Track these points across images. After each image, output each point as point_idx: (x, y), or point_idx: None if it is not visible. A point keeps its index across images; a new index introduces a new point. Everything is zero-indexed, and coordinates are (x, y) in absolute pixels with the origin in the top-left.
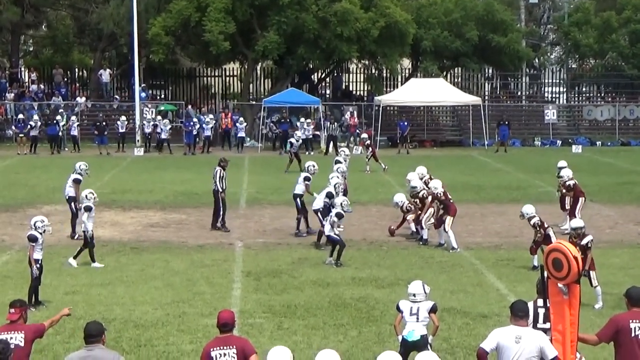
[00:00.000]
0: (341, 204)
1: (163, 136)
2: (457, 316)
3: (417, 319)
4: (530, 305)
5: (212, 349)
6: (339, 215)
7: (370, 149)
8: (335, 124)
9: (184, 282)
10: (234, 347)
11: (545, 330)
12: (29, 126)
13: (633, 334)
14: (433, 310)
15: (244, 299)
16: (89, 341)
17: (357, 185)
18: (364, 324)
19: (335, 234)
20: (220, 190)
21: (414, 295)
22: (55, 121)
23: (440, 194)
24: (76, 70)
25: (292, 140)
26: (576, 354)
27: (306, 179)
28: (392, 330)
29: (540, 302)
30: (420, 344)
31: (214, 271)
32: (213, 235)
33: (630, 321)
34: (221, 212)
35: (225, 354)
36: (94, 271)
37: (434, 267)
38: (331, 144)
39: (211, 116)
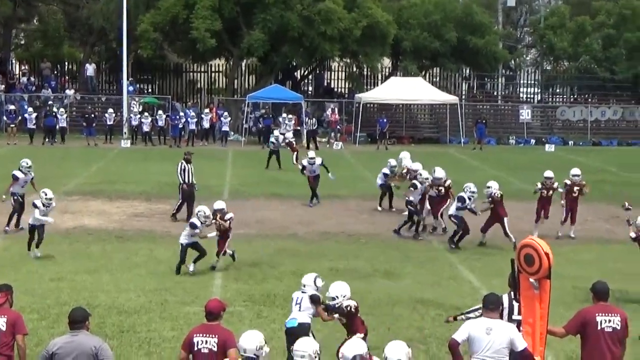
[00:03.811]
0: (197, 213)
1: (145, 129)
2: (431, 307)
3: (300, 308)
4: (506, 297)
5: (195, 335)
6: (192, 225)
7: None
8: (314, 119)
9: (167, 271)
10: (216, 336)
11: (519, 322)
12: (20, 117)
13: (599, 327)
14: (313, 300)
15: (224, 287)
16: (73, 327)
17: (336, 179)
18: None
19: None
20: (181, 182)
21: (304, 286)
22: (53, 113)
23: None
24: (66, 63)
25: (272, 139)
26: (545, 346)
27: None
28: (367, 320)
29: (512, 294)
30: (299, 331)
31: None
32: None
33: (597, 314)
34: (178, 204)
35: (206, 342)
36: (80, 259)
37: (411, 260)
38: (311, 139)
39: (193, 113)
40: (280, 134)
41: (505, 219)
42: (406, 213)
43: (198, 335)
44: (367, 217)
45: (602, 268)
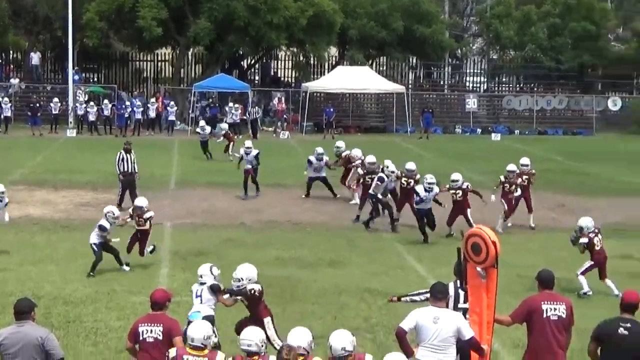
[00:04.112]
0: (106, 214)
1: (91, 118)
2: (378, 297)
3: (201, 301)
4: (451, 285)
5: (140, 324)
6: (101, 228)
7: (227, 139)
8: (257, 108)
9: (113, 260)
10: (161, 325)
11: (465, 310)
12: None
13: (545, 315)
14: (214, 290)
15: (171, 277)
16: (19, 317)
17: (281, 168)
18: (286, 303)
19: None
20: (118, 172)
21: (201, 276)
22: None
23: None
24: (10, 52)
25: (198, 130)
26: (492, 335)
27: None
28: (313, 309)
29: (458, 283)
30: None
31: None
32: None
33: (542, 302)
34: (120, 193)
35: (151, 331)
36: (25, 249)
37: (357, 249)
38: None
39: (139, 103)
40: (226, 122)
41: (469, 210)
42: (355, 202)
43: (143, 324)
44: (312, 206)
45: (547, 256)
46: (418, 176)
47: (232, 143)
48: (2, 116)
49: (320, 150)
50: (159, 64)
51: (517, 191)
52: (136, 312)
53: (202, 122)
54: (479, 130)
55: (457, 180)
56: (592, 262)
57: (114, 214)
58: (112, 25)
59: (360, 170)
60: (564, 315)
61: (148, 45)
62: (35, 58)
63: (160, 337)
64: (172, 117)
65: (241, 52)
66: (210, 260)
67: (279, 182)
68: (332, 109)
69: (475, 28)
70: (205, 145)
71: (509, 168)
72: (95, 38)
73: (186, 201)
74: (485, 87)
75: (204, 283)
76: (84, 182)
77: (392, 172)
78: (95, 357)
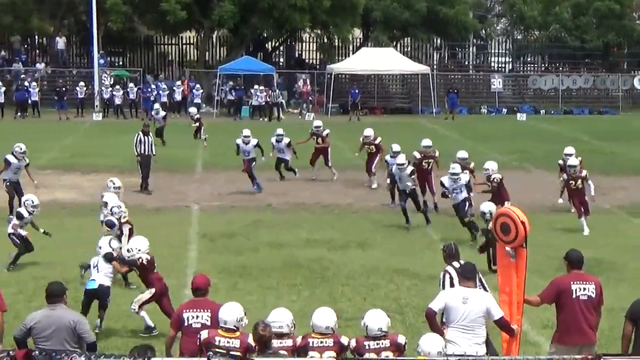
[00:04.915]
0: (24, 202)
1: (117, 102)
2: (406, 277)
3: (98, 270)
4: (450, 269)
5: (184, 311)
6: (19, 215)
7: (199, 123)
8: (277, 91)
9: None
10: (208, 310)
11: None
12: None
13: (574, 295)
14: (107, 258)
15: (199, 260)
16: (51, 301)
17: (306, 150)
18: (317, 284)
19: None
20: (136, 153)
21: (100, 248)
22: (25, 87)
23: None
24: (36, 37)
25: (153, 113)
26: (522, 315)
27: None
28: (343, 291)
29: (455, 264)
30: (99, 292)
31: (170, 233)
32: (169, 199)
33: (572, 283)
34: (141, 176)
35: (198, 317)
36: (54, 233)
37: (384, 231)
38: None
39: (165, 86)
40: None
41: (507, 203)
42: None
43: (188, 310)
44: (341, 188)
45: (575, 237)
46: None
47: (202, 127)
48: (30, 100)
49: (280, 131)
50: (184, 47)
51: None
52: None
53: (156, 105)
54: (504, 111)
55: (487, 169)
56: None
57: (33, 202)
58: (136, 9)
59: (416, 154)
60: (593, 295)
61: (172, 29)
62: (60, 43)
63: (208, 322)
64: (197, 100)
65: (265, 35)
66: (239, 242)
67: (306, 165)
68: (357, 91)
69: (498, 8)
70: (160, 129)
71: (570, 162)
72: (120, 22)
73: (213, 184)
74: (510, 67)
75: (97, 255)
76: (111, 166)
77: (396, 152)
78: (125, 340)
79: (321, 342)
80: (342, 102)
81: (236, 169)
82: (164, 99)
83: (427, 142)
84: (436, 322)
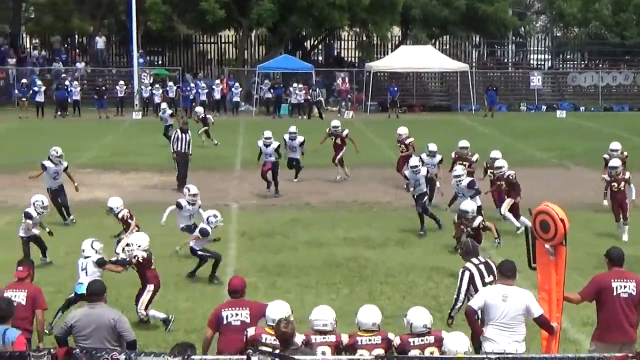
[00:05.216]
0: (34, 202)
1: (156, 100)
2: (445, 275)
3: (87, 273)
4: (470, 265)
5: (223, 310)
6: (27, 215)
7: (204, 123)
8: (317, 90)
9: (180, 242)
10: (247, 308)
11: (490, 283)
12: (31, 91)
13: (615, 293)
14: (99, 264)
15: (238, 258)
16: (91, 299)
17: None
18: (355, 283)
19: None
20: (172, 151)
21: (84, 251)
22: (65, 86)
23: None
24: (76, 37)
25: (160, 114)
26: (562, 312)
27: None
28: (382, 289)
29: (474, 260)
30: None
31: None
32: (209, 197)
33: (612, 280)
34: (176, 174)
35: (237, 314)
36: (94, 231)
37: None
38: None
39: (204, 85)
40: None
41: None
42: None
43: (227, 309)
44: (379, 186)
45: (614, 234)
46: (475, 157)
47: (207, 128)
48: (70, 99)
49: (293, 129)
50: (223, 45)
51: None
52: (204, 293)
53: (164, 105)
54: (543, 108)
55: (501, 167)
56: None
57: (42, 204)
58: (176, 8)
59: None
60: (634, 293)
61: (211, 28)
62: (100, 42)
63: (248, 320)
64: (236, 99)
65: (304, 33)
66: (277, 240)
67: (345, 163)
68: (396, 88)
69: (538, 5)
70: (166, 128)
71: (612, 164)
72: (159, 21)
73: (252, 182)
74: (549, 65)
75: (88, 257)
76: (150, 165)
77: (432, 151)
78: (165, 338)
79: (369, 340)
80: (381, 99)
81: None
82: (203, 98)
83: (464, 143)
84: (476, 321)
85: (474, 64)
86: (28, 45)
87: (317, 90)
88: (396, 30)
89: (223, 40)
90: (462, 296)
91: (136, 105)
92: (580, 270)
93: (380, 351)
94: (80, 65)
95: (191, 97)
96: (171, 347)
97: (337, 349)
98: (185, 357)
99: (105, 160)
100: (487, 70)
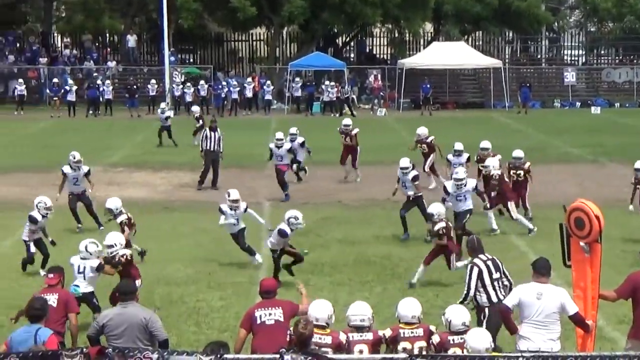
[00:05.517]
0: (37, 204)
1: (188, 99)
2: None
3: (84, 277)
4: (478, 261)
5: (256, 310)
6: (32, 219)
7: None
8: (347, 87)
9: (213, 241)
10: (281, 308)
11: (497, 279)
12: (63, 90)
13: None
14: (97, 269)
15: (271, 257)
16: (123, 298)
17: (379, 145)
18: (388, 281)
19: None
20: (201, 149)
21: (80, 252)
22: (96, 85)
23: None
24: (107, 35)
25: (159, 113)
26: (597, 310)
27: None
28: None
29: (482, 257)
30: (84, 299)
31: None
32: (240, 195)
33: None
34: (202, 171)
35: (271, 314)
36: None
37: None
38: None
39: (235, 83)
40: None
41: (510, 202)
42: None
43: (260, 309)
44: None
45: None
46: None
47: (203, 127)
48: (102, 98)
49: (293, 130)
50: (254, 43)
51: None
52: (237, 291)
53: (162, 105)
54: (578, 104)
55: (519, 158)
56: None
57: (45, 205)
58: (207, 6)
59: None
60: None
61: (242, 25)
62: (131, 41)
63: (282, 319)
64: (268, 96)
65: (336, 30)
66: (310, 238)
67: (378, 160)
68: (428, 85)
69: (571, 0)
70: (167, 130)
71: (636, 166)
72: (190, 19)
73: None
74: (583, 60)
75: (85, 258)
76: (182, 163)
77: (458, 150)
78: (197, 337)
79: (412, 332)
80: (414, 97)
81: (306, 165)
82: (235, 96)
83: (518, 153)
84: (511, 319)
85: (507, 60)
86: (59, 45)
87: (347, 87)
88: (428, 27)
89: (254, 38)
90: (472, 292)
91: (168, 103)
92: (616, 267)
93: (422, 343)
94: (112, 64)
95: (223, 95)
96: (204, 346)
97: (375, 346)
98: (218, 355)
99: (137, 159)
100: (520, 67)
